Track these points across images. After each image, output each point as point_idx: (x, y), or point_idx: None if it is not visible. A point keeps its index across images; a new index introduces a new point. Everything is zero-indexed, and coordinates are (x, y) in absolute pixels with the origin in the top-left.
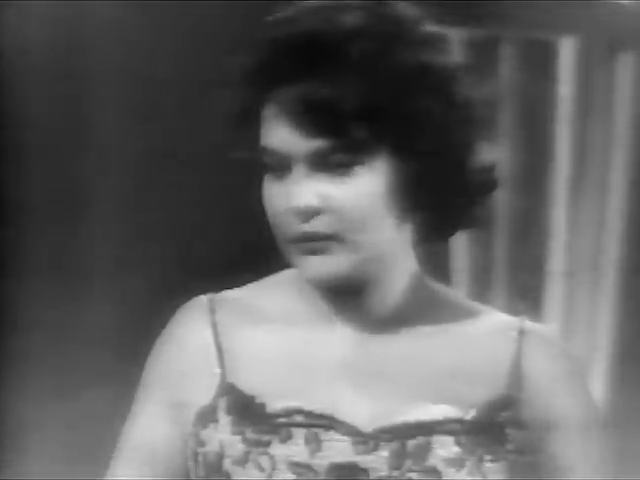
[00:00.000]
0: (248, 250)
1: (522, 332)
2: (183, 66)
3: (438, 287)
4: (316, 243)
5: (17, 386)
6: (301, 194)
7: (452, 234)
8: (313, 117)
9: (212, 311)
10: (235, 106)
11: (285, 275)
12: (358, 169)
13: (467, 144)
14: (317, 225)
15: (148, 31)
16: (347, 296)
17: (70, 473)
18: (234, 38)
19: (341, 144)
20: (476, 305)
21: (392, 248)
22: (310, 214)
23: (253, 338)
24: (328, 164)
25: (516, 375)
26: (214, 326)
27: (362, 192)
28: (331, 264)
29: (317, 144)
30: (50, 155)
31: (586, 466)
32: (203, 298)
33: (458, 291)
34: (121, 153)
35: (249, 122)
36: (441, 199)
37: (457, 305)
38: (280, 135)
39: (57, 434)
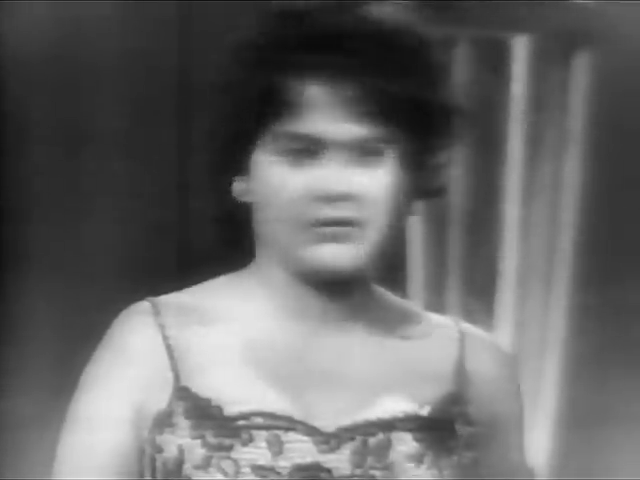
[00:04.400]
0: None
1: (463, 333)
2: (183, 65)
3: (382, 290)
4: (340, 228)
5: (17, 384)
6: (339, 180)
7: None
8: (374, 108)
9: (156, 314)
10: (262, 93)
11: (228, 278)
12: (382, 160)
13: (448, 145)
14: (345, 211)
15: (148, 30)
16: (322, 293)
17: None
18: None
19: (382, 134)
20: (416, 307)
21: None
22: (343, 199)
23: (203, 340)
24: (362, 152)
25: (460, 373)
26: (161, 328)
27: (385, 183)
28: (348, 252)
29: (362, 132)
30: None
31: (520, 464)
32: (144, 302)
33: (410, 291)
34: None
35: (275, 110)
36: (410, 193)
37: (401, 307)
38: (321, 121)
39: (57, 432)
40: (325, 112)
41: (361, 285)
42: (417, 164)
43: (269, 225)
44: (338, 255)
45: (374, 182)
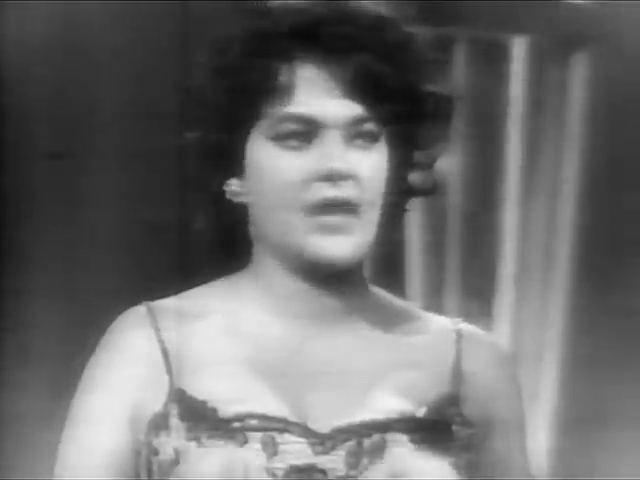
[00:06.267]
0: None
1: (460, 333)
2: (183, 66)
3: (378, 290)
4: (339, 216)
5: (18, 385)
6: (338, 158)
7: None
8: (365, 86)
9: (153, 318)
10: (255, 77)
11: (222, 282)
12: (377, 142)
13: (442, 138)
14: (346, 190)
15: (150, 29)
16: (317, 290)
17: None
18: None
19: (376, 115)
20: (414, 307)
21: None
22: (343, 178)
23: (198, 342)
24: (358, 133)
25: (457, 374)
26: (157, 332)
27: (380, 164)
28: (348, 244)
29: (357, 112)
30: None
31: (522, 466)
32: (140, 307)
33: (408, 293)
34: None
35: (266, 91)
36: (403, 188)
37: (398, 307)
38: (315, 101)
39: (58, 433)
40: (318, 92)
41: (357, 284)
42: (409, 151)
43: (266, 216)
44: (338, 247)
45: (370, 163)
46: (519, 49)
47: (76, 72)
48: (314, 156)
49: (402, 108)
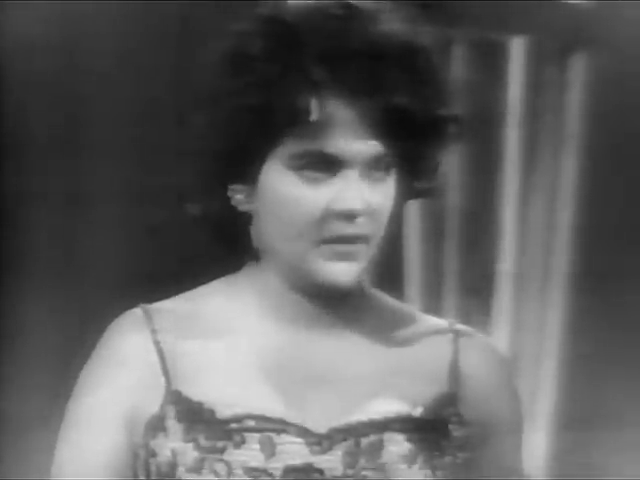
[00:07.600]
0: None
1: (457, 334)
2: (183, 66)
3: (376, 292)
4: (351, 245)
5: (13, 385)
6: (355, 197)
7: None
8: (392, 126)
9: (149, 320)
10: (281, 109)
11: (219, 283)
12: (390, 172)
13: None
14: (361, 227)
15: (149, 28)
16: (317, 301)
17: None
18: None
19: (395, 150)
20: (411, 308)
21: None
22: (359, 216)
23: (195, 344)
24: (374, 168)
25: (454, 374)
26: (153, 334)
27: (390, 193)
28: (354, 269)
29: (379, 150)
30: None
31: (516, 466)
32: (136, 309)
33: (406, 293)
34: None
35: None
36: (406, 202)
37: (395, 309)
38: (340, 139)
39: (56, 435)
40: (344, 130)
41: (354, 289)
42: (413, 172)
43: (274, 237)
44: (346, 273)
45: (382, 197)
46: (517, 50)
47: (76, 72)
48: (333, 191)
49: (422, 139)
